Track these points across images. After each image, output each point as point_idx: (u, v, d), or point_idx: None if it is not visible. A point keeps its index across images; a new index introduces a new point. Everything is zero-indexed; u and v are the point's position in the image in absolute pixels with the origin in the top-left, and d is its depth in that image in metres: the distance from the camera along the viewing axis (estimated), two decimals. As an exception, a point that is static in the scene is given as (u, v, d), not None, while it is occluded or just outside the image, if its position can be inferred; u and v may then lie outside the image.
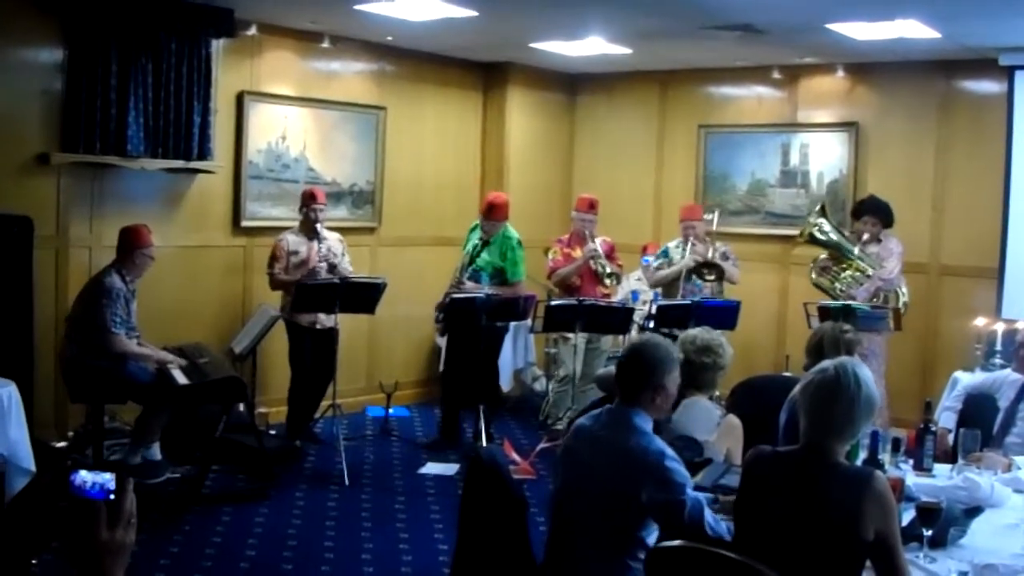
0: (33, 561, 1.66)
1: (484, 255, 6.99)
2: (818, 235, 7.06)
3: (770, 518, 2.73)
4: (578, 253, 7.30)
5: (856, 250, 6.95)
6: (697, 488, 3.27)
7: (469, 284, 6.94)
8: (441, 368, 7.54)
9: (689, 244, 7.24)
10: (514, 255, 7.04)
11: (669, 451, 3.09)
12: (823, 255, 7.12)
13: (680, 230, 7.39)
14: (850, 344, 4.23)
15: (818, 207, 7.22)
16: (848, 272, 6.95)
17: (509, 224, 7.10)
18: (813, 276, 7.11)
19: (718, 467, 3.59)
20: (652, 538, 3.10)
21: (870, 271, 6.86)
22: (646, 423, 3.16)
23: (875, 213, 6.96)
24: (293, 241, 6.76)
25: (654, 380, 3.18)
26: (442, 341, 7.55)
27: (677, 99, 8.99)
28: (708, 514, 3.03)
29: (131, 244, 5.87)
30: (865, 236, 6.95)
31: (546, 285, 7.56)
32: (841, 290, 6.93)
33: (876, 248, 6.94)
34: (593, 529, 3.11)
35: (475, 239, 7.10)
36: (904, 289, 7.00)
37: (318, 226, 6.72)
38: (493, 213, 6.98)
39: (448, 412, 7.18)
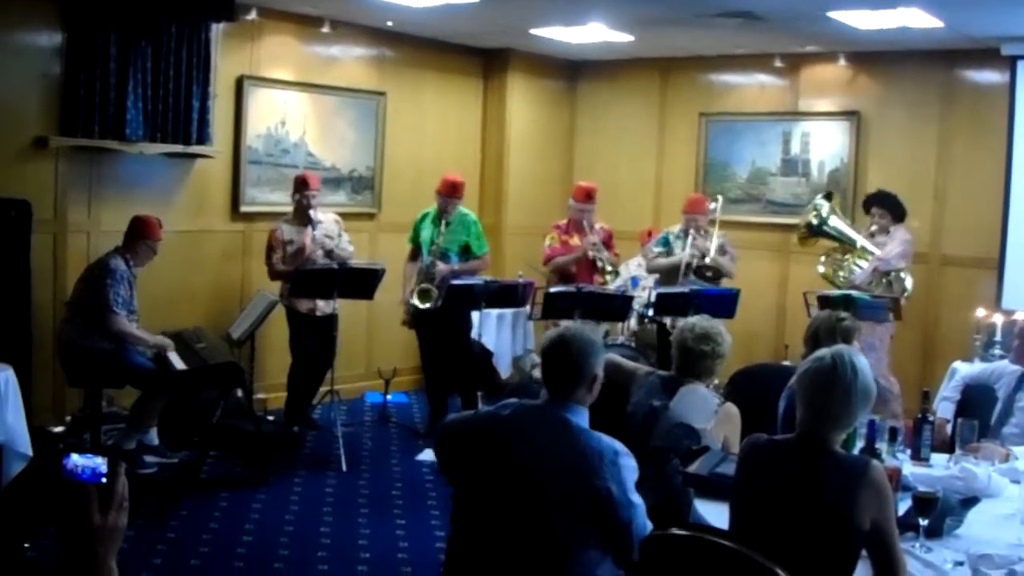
0: (26, 544, 1.66)
1: (447, 236, 6.93)
2: (813, 220, 7.06)
3: (766, 507, 2.73)
4: (576, 241, 7.22)
5: (861, 239, 6.95)
6: (694, 476, 3.26)
7: (440, 266, 6.86)
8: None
9: (690, 237, 7.12)
10: (476, 229, 7.08)
11: (619, 446, 2.90)
12: (833, 247, 7.10)
13: (682, 220, 7.29)
14: (847, 332, 4.19)
15: (823, 194, 7.22)
16: (851, 260, 6.96)
17: (462, 207, 7.11)
18: (821, 269, 7.10)
19: (715, 455, 3.58)
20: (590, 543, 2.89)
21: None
22: (584, 419, 2.99)
23: (883, 205, 6.97)
24: (288, 230, 6.70)
25: (591, 372, 3.00)
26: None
27: (678, 87, 8.96)
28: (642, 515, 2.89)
29: (140, 233, 5.89)
30: (873, 228, 6.96)
31: (542, 271, 7.51)
32: (844, 277, 6.90)
33: (884, 239, 6.93)
34: (532, 528, 2.85)
35: (427, 227, 7.03)
36: (908, 279, 6.92)
37: (311, 212, 6.67)
38: (456, 192, 6.94)
39: (434, 400, 7.16)
